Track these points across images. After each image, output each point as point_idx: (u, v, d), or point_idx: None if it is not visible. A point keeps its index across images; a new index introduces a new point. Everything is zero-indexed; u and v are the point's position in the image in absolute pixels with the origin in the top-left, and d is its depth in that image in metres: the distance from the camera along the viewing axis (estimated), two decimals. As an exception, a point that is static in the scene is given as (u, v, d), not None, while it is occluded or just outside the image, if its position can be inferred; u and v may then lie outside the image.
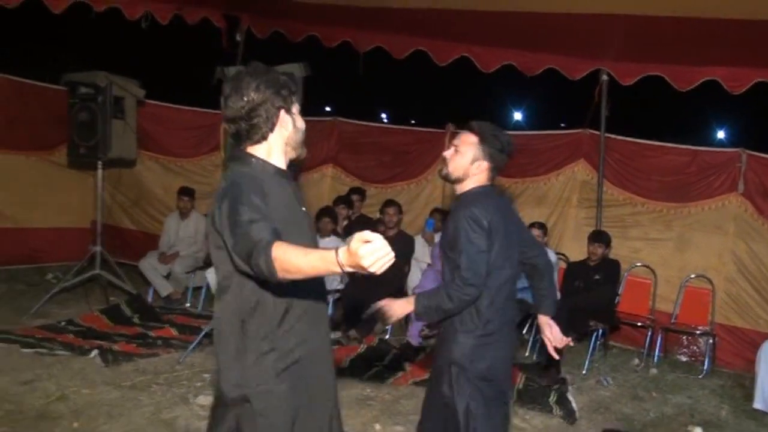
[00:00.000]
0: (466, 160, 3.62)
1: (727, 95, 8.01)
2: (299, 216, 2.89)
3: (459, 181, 3.67)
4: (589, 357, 7.74)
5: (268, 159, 2.87)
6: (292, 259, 2.34)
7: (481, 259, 3.48)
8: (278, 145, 2.90)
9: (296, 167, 3.15)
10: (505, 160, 3.69)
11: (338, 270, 2.27)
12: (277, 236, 2.44)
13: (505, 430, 3.78)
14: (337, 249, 2.26)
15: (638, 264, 8.51)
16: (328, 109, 14.67)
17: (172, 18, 8.84)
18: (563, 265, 8.52)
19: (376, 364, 7.16)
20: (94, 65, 8.66)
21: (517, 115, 26.13)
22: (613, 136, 8.82)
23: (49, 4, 7.68)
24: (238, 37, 9.78)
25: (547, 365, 7.35)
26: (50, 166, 9.77)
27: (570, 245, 8.82)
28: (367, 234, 2.23)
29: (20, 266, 9.60)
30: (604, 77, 8.54)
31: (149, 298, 9.01)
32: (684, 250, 8.44)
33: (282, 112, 2.84)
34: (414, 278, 8.52)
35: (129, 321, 8.13)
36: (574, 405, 6.54)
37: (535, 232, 8.17)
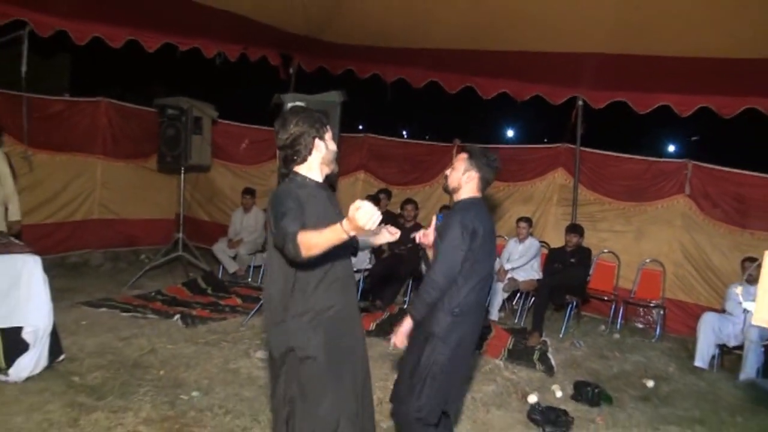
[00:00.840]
0: (459, 173, 3.62)
1: (677, 117, 7.94)
2: (331, 215, 2.96)
3: (455, 191, 3.66)
4: (565, 324, 7.67)
5: (308, 175, 3.09)
6: (312, 240, 2.65)
7: (456, 260, 3.44)
8: (316, 164, 3.10)
9: (333, 178, 3.31)
10: (491, 173, 3.64)
11: (344, 236, 2.58)
12: (303, 227, 2.72)
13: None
14: (341, 221, 2.57)
15: (605, 251, 8.44)
16: (360, 126, 14.63)
17: (240, 56, 8.86)
18: (545, 250, 8.45)
19: (396, 328, 7.12)
20: (179, 92, 8.73)
21: (510, 132, 25.95)
22: (586, 149, 8.75)
23: (145, 44, 7.72)
24: (291, 71, 9.77)
25: (532, 330, 7.32)
26: (144, 171, 9.82)
27: (551, 235, 8.76)
28: (357, 202, 2.53)
29: (121, 249, 9.66)
30: (580, 102, 8.46)
31: (219, 275, 9.03)
32: (641, 240, 8.37)
33: (316, 140, 3.07)
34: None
35: (204, 292, 8.15)
36: (552, 362, 6.50)
37: (522, 224, 8.16)
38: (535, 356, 6.61)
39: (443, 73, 8.76)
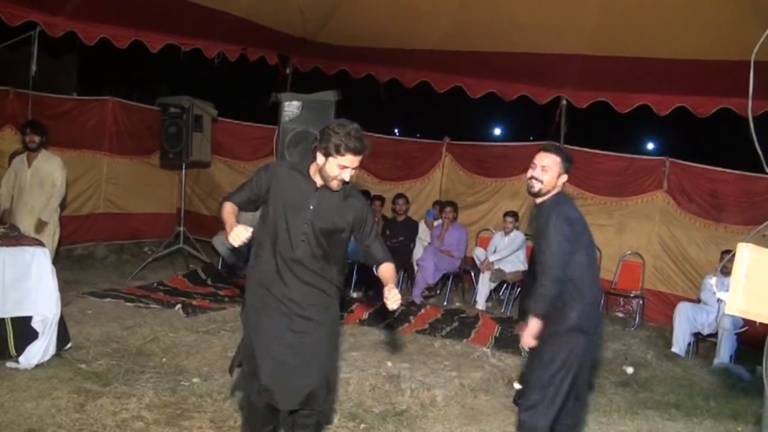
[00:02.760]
0: (553, 176, 3.57)
1: (656, 116, 7.98)
2: (300, 205, 3.25)
3: (548, 193, 3.59)
4: (549, 313, 7.70)
5: (311, 171, 3.30)
6: (222, 212, 3.35)
7: (565, 251, 3.40)
8: (315, 167, 3.27)
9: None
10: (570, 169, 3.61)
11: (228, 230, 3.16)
12: (235, 199, 3.37)
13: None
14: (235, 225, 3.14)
15: (587, 243, 8.47)
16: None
17: (239, 56, 8.85)
18: (530, 243, 8.47)
19: (388, 317, 7.15)
20: (181, 91, 8.70)
21: (497, 131, 25.97)
22: (569, 146, 8.76)
23: (149, 45, 7.71)
24: (288, 71, 9.76)
25: (517, 319, 7.34)
26: (147, 167, 9.80)
27: (536, 229, 8.78)
28: (237, 228, 3.11)
29: (125, 241, 9.65)
30: (564, 102, 8.48)
31: (219, 266, 9.01)
32: (622, 233, 8.40)
33: (320, 153, 3.19)
34: (417, 253, 8.50)
35: (204, 283, 8.15)
36: (537, 349, 6.52)
37: (509, 218, 8.18)
38: (521, 344, 6.63)
39: (433, 73, 8.79)
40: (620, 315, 8.29)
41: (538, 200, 3.65)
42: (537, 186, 3.58)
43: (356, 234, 3.37)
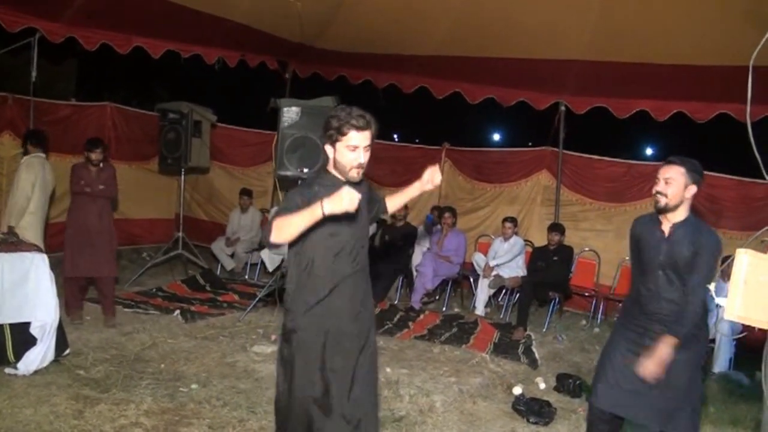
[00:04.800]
0: (679, 188, 3.36)
1: (654, 121, 8.00)
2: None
3: (675, 208, 3.40)
4: (548, 319, 7.71)
5: (334, 173, 2.95)
6: (283, 222, 2.68)
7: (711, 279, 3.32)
8: (332, 165, 2.96)
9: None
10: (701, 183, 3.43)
11: (319, 213, 2.57)
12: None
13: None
14: (322, 202, 2.57)
15: (586, 249, 8.46)
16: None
17: (238, 62, 8.87)
18: (529, 249, 8.47)
19: (387, 323, 7.16)
20: (180, 97, 8.73)
21: (496, 136, 26.02)
22: (568, 152, 8.79)
23: (150, 51, 7.72)
24: (287, 76, 9.77)
25: (516, 325, 7.34)
26: (146, 173, 9.81)
27: (535, 234, 8.77)
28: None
29: (124, 247, 9.58)
30: (562, 108, 8.50)
31: (218, 272, 9.02)
32: (621, 239, 8.33)
33: (327, 146, 2.93)
34: (416, 259, 8.50)
35: (202, 288, 8.14)
36: (536, 355, 6.52)
37: (508, 224, 8.17)
38: (520, 350, 6.63)
39: (432, 79, 8.80)
40: (619, 320, 8.27)
41: (672, 217, 3.47)
42: (663, 201, 3.42)
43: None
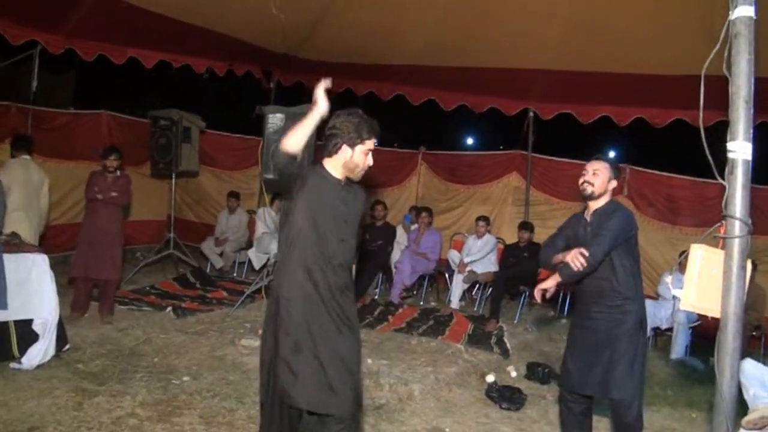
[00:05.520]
0: (603, 180, 3.67)
1: (616, 126, 8.09)
2: (329, 207, 2.99)
3: (600, 196, 3.68)
4: (519, 311, 7.78)
5: (329, 168, 3.04)
6: (290, 132, 2.86)
7: (614, 245, 3.52)
8: (338, 164, 3.03)
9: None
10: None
11: (317, 115, 2.92)
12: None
13: None
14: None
15: (554, 245, 8.51)
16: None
17: (226, 71, 8.84)
18: (501, 246, 8.52)
19: (368, 317, 7.17)
20: (171, 104, 8.69)
21: (470, 140, 26.09)
22: (537, 155, 8.87)
23: (143, 61, 7.68)
24: (272, 85, 9.75)
25: (489, 317, 7.39)
26: (139, 176, 9.65)
27: (506, 232, 8.82)
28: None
29: (118, 247, 9.56)
30: (531, 113, 8.58)
31: (207, 270, 8.99)
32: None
33: (344, 146, 2.99)
34: (395, 256, 8.52)
35: (193, 286, 8.10)
36: (508, 345, 6.58)
37: (481, 223, 8.23)
38: (493, 340, 6.68)
39: (409, 87, 8.82)
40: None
41: (594, 205, 3.72)
42: (589, 189, 3.67)
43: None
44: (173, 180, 8.69)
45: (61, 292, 5.11)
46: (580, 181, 3.72)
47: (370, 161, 3.06)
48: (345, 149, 3.00)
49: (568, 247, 3.67)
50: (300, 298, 2.93)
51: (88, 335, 5.65)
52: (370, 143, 3.03)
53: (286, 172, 2.86)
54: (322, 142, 3.08)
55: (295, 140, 2.84)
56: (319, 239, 2.94)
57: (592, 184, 3.66)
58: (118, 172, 6.30)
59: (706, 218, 7.46)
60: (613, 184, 3.70)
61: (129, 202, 6.71)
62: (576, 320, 3.86)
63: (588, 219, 3.72)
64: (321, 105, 2.94)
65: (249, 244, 9.06)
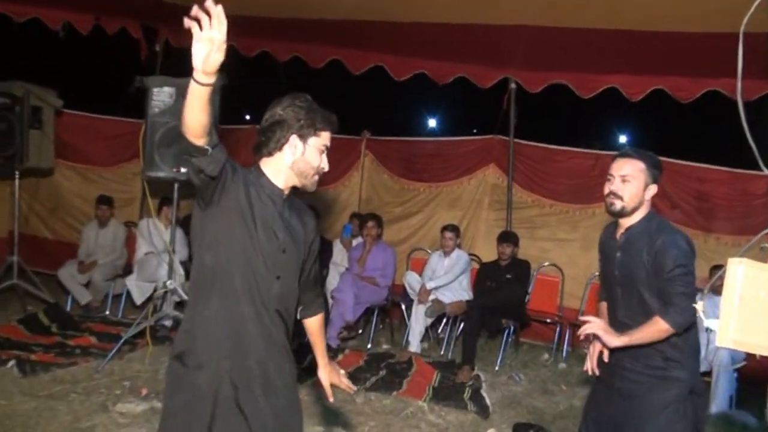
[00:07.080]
0: (638, 188, 3.49)
1: (627, 101, 8.19)
2: (264, 226, 2.85)
3: (634, 211, 3.50)
4: (501, 353, 7.83)
5: (269, 173, 2.94)
6: (183, 107, 2.52)
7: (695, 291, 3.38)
8: (284, 165, 2.93)
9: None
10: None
11: (200, 79, 2.47)
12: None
13: None
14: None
15: (547, 263, 8.63)
16: (247, 117, 14.52)
17: (92, 29, 8.68)
18: (476, 265, 8.58)
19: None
20: (11, 75, 8.54)
21: (432, 122, 26.38)
22: (521, 141, 8.96)
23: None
24: (157, 48, 9.64)
25: (461, 363, 7.41)
26: (-36, 177, 9.49)
27: (482, 247, 8.90)
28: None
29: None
30: (513, 85, 8.67)
31: (68, 307, 8.81)
32: (589, 249, 8.52)
33: (293, 137, 2.89)
34: (332, 282, 8.49)
35: (47, 330, 7.90)
36: (487, 400, 6.60)
37: (448, 234, 8.26)
38: (466, 395, 6.70)
39: (346, 50, 8.81)
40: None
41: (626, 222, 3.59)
42: (618, 204, 3.53)
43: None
44: (17, 181, 8.52)
45: None
46: (605, 191, 3.57)
47: (325, 163, 3.00)
48: (294, 143, 2.92)
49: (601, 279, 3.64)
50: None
51: None
52: (326, 137, 2.98)
53: (198, 167, 2.60)
54: (258, 138, 2.97)
55: (192, 116, 2.52)
56: (250, 274, 2.84)
57: (621, 198, 3.51)
58: None
59: (751, 223, 7.62)
60: (653, 190, 3.55)
61: None
62: (604, 374, 3.77)
63: (618, 239, 3.61)
64: (210, 31, 2.37)
65: (127, 270, 8.93)
